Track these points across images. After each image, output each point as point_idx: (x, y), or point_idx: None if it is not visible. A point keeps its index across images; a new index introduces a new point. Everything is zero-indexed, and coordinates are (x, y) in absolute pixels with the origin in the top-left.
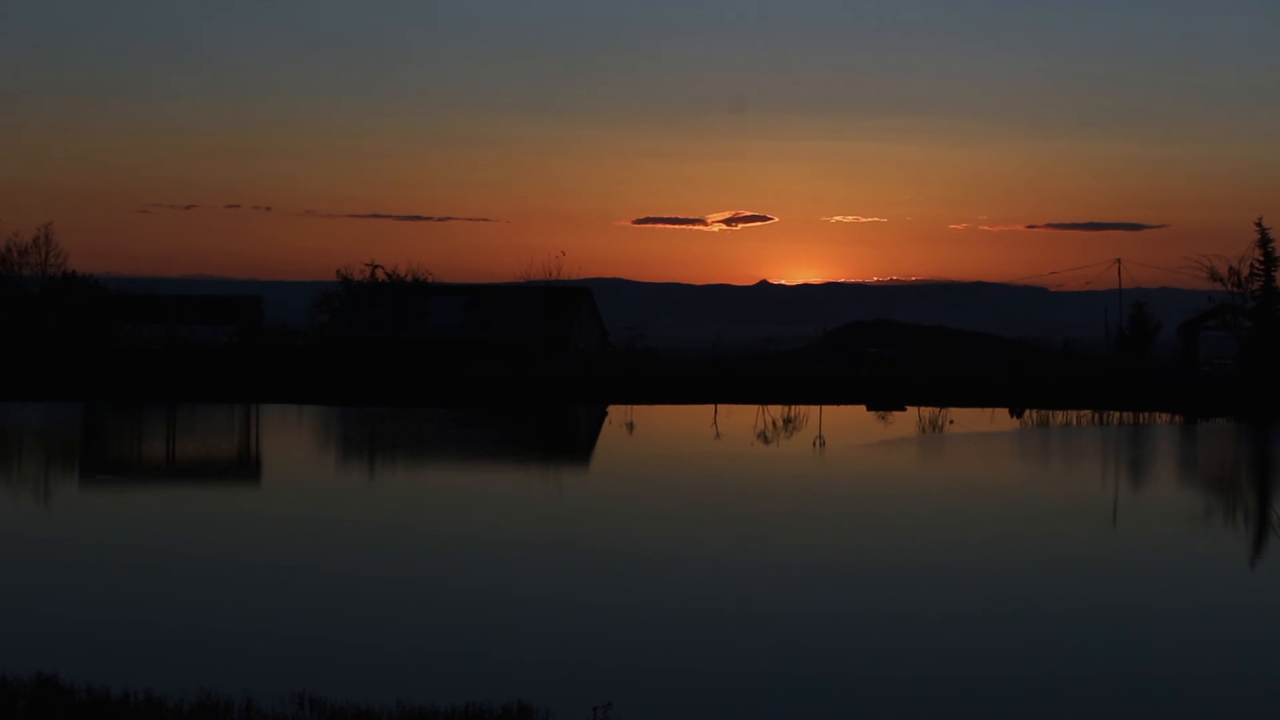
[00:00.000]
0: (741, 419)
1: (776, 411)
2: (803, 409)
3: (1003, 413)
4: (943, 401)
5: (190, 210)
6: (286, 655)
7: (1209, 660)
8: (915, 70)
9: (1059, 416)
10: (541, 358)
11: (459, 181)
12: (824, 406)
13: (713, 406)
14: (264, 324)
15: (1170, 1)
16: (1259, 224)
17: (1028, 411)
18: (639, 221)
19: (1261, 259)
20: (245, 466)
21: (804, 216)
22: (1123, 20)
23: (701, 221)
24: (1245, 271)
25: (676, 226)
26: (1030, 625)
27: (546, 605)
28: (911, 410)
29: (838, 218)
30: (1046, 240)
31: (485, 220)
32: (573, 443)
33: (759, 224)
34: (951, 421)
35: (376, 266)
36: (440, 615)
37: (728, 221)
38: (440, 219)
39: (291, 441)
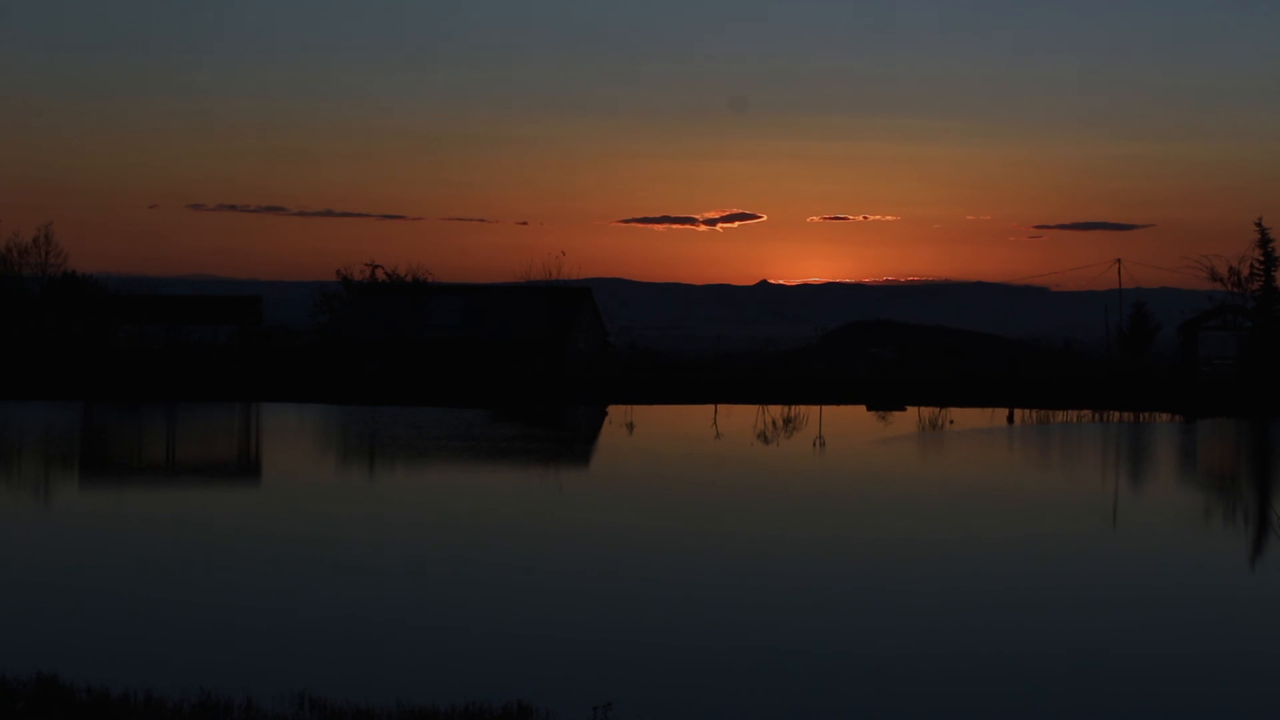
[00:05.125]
0: (741, 419)
1: (776, 411)
2: (803, 409)
3: (1002, 412)
4: (942, 401)
5: (152, 210)
6: (286, 655)
7: (1205, 655)
8: (914, 70)
9: (1059, 416)
10: (541, 358)
11: (458, 181)
12: (824, 406)
13: (713, 406)
14: (264, 324)
15: (1170, 1)
16: (1259, 224)
17: (1022, 412)
18: (635, 221)
19: (1261, 259)
20: (245, 466)
21: (803, 217)
22: (1123, 20)
23: (703, 221)
24: (1245, 271)
25: (675, 226)
26: (1029, 620)
27: (547, 604)
28: (911, 410)
29: (838, 218)
30: (1046, 240)
31: (484, 220)
32: (572, 443)
33: (758, 224)
34: (951, 421)
35: (377, 266)
36: (440, 615)
37: (730, 220)
38: (414, 219)
39: (292, 441)
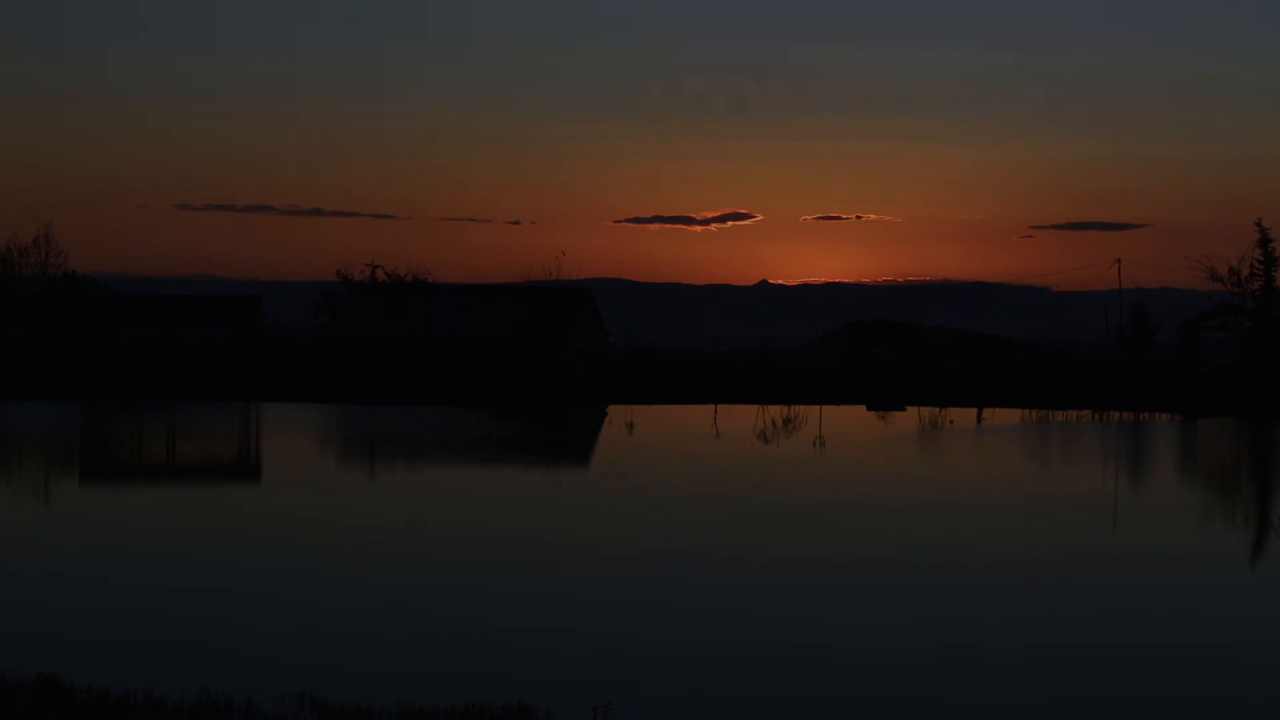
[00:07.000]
0: (741, 419)
1: (776, 411)
2: (803, 409)
3: (1003, 412)
4: (942, 401)
5: (140, 209)
6: (286, 655)
7: (1204, 654)
8: (914, 70)
9: (1059, 416)
10: (541, 357)
11: (449, 181)
12: (824, 406)
13: (713, 406)
14: (264, 324)
15: (1171, 1)
16: (1259, 224)
17: (1022, 411)
18: (629, 221)
19: (1261, 259)
20: (245, 466)
21: (797, 216)
22: (1123, 20)
23: (699, 221)
24: (1245, 271)
25: (669, 226)
26: (1028, 619)
27: (547, 605)
28: (911, 410)
29: (832, 218)
30: (1046, 240)
31: (475, 220)
32: (572, 443)
33: (754, 224)
34: (951, 421)
35: (377, 267)
36: (441, 615)
37: (724, 219)
38: (405, 218)
39: (291, 441)
